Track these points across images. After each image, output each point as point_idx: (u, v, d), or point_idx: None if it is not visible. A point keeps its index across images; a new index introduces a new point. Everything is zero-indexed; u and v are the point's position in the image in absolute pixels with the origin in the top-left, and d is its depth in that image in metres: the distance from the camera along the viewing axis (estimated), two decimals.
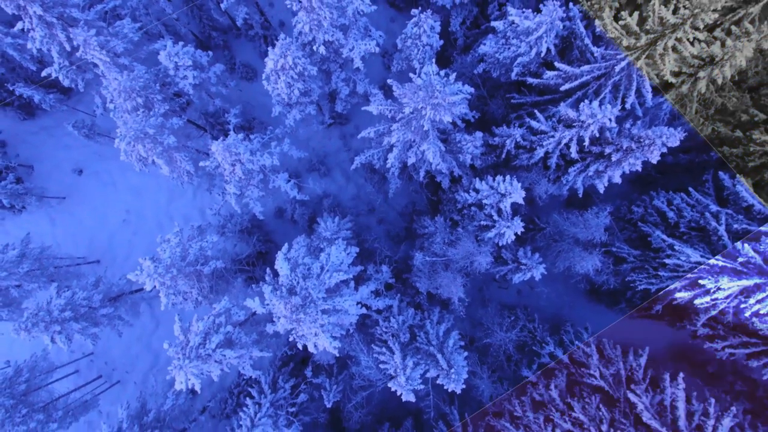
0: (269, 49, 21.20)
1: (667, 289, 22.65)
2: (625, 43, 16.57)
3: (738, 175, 21.53)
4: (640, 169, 18.48)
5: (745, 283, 18.67)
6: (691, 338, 28.27)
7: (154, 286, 20.27)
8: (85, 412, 30.63)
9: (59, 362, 35.26)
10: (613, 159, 18.01)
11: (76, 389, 34.01)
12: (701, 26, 14.52)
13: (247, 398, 24.26)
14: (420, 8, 22.77)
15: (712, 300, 19.92)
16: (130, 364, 36.58)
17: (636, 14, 17.67)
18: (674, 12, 15.05)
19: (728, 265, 19.16)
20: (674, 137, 15.98)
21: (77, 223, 36.88)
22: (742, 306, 22.46)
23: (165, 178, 34.76)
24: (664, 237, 22.46)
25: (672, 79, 17.23)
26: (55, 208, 36.70)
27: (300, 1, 19.70)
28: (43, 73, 23.71)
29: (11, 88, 31.56)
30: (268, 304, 18.18)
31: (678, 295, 21.16)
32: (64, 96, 34.95)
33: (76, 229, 36.80)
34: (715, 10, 13.95)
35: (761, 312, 22.60)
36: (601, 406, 25.55)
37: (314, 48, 20.32)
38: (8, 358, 34.62)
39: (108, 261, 36.17)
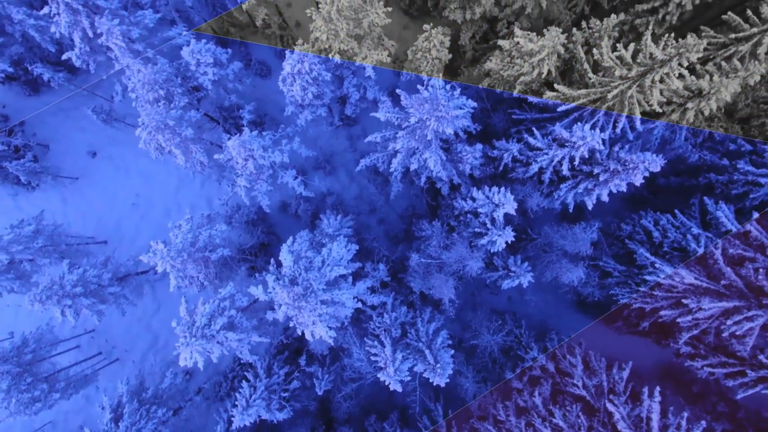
0: (286, 52, 22.51)
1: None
2: (618, 72, 17.86)
3: (720, 202, 22.80)
4: (625, 190, 19.78)
5: (725, 305, 19.91)
6: (675, 356, 29.51)
7: (165, 269, 21.53)
8: (86, 386, 31.94)
9: (62, 336, 36.54)
10: (601, 179, 19.32)
11: (77, 363, 35.30)
12: (685, 64, 15.80)
13: (243, 381, 25.55)
14: (431, 24, 24.08)
15: (694, 320, 21.17)
16: (129, 343, 37.83)
17: (632, 46, 18.97)
18: (663, 49, 16.33)
19: (711, 287, 20.43)
20: (655, 163, 17.29)
21: (88, 204, 38.17)
22: (723, 327, 23.76)
23: (175, 166, 36.11)
24: (648, 255, 23.74)
25: (659, 109, 18.53)
26: (68, 188, 37.99)
27: (319, 11, 21.00)
28: (64, 57, 24.86)
29: (30, 68, 32.79)
30: (270, 292, 19.46)
31: (663, 313, 22.42)
32: (84, 81, 36.21)
33: (87, 209, 38.09)
34: (698, 51, 15.23)
35: (738, 333, 23.92)
36: (581, 414, 26.82)
37: (330, 55, 21.59)
38: (12, 329, 36.00)
39: (115, 242, 37.44)
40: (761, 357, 24.74)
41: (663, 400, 25.34)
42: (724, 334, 24.25)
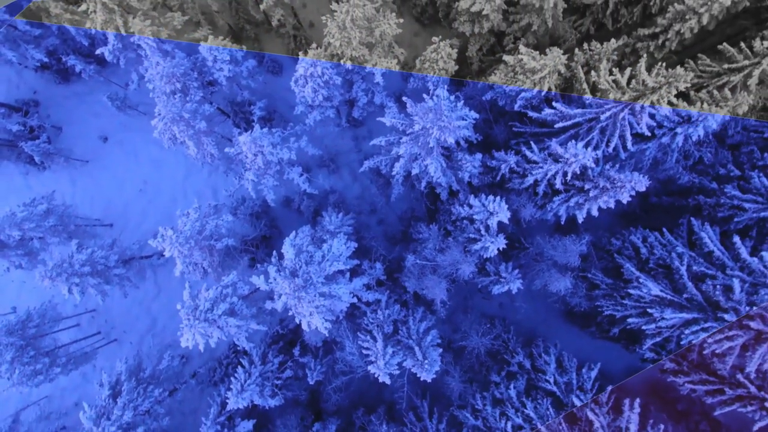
0: (299, 53, 23.55)
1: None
2: (612, 95, 18.91)
3: (705, 223, 23.83)
4: (613, 206, 20.82)
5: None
6: (660, 372, 30.49)
7: (173, 254, 22.53)
8: (85, 363, 32.93)
9: (63, 314, 37.51)
10: (591, 195, 20.38)
11: (76, 341, 36.29)
12: (674, 92, 16.84)
13: (239, 366, 26.55)
14: (441, 36, 25.15)
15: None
16: (128, 325, 38.80)
17: (628, 70, 20.02)
18: (655, 77, 17.38)
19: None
20: (641, 183, 18.36)
21: (96, 187, 39.18)
22: (705, 345, 24.79)
23: (184, 155, 37.17)
24: (633, 270, 24.76)
25: (647, 133, 19.59)
26: (78, 170, 39.01)
27: (334, 17, 22.02)
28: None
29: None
30: (271, 282, 20.48)
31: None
32: (100, 67, 37.24)
33: (95, 192, 39.10)
34: (686, 81, 16.27)
35: (718, 352, 24.95)
36: (562, 421, 27.89)
37: (341, 61, 22.64)
38: (15, 304, 36.96)
39: (121, 226, 38.45)
40: (739, 376, 25.74)
41: (647, 415, 26.23)
42: (705, 352, 25.32)
